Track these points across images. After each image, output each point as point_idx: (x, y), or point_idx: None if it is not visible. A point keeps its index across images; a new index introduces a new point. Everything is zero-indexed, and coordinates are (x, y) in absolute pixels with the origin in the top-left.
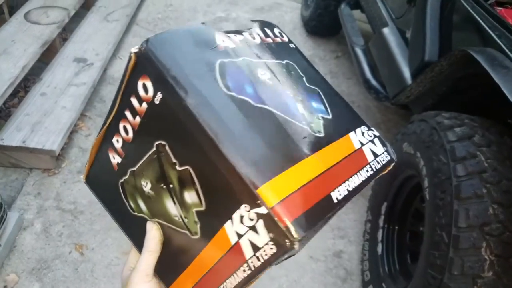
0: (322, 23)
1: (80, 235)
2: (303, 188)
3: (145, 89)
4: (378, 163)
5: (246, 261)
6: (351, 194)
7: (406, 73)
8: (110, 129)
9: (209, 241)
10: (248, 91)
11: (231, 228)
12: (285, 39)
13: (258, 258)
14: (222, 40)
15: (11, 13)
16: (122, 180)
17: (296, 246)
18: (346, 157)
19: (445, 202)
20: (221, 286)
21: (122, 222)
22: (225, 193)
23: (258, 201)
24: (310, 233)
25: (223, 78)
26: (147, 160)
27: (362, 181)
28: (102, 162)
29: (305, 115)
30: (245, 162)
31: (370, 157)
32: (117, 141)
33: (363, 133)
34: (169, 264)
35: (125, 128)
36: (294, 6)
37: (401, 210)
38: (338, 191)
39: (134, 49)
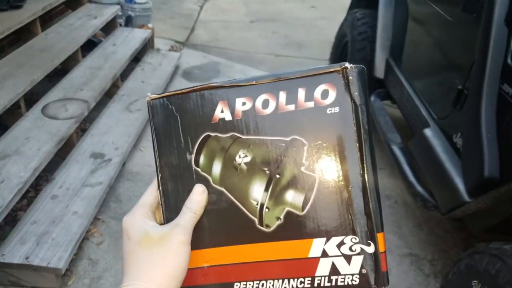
0: None
1: None
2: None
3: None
4: (331, 282)
5: (313, 277)
6: None
7: (461, 186)
8: (244, 89)
9: (280, 240)
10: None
11: (320, 245)
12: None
13: (330, 280)
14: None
15: (31, 102)
16: (213, 134)
17: None
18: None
19: None
20: (258, 282)
21: (166, 163)
22: (340, 218)
23: (371, 242)
24: None
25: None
26: (267, 141)
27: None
28: (198, 102)
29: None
30: (376, 208)
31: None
32: (244, 103)
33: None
34: (202, 232)
35: (266, 102)
36: None
37: None
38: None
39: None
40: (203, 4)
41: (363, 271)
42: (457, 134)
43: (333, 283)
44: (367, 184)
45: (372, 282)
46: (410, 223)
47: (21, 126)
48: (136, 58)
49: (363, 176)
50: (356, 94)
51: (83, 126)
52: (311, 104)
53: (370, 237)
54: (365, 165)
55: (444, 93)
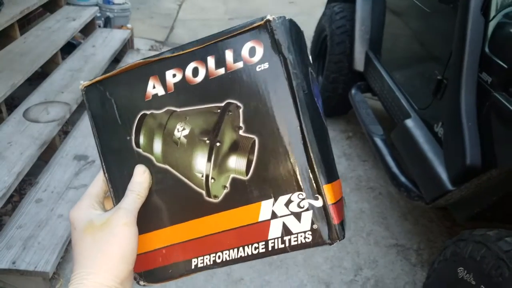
0: (330, 105)
1: None
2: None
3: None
4: (284, 243)
5: (266, 241)
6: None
7: (444, 175)
8: (171, 60)
9: (229, 209)
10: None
11: (268, 207)
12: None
13: (283, 241)
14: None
15: (12, 106)
16: (149, 112)
17: (334, 243)
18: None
19: None
20: (215, 254)
21: (108, 149)
22: (284, 175)
23: (318, 195)
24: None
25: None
26: (202, 110)
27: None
28: (129, 82)
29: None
30: (320, 160)
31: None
32: (174, 75)
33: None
34: (153, 214)
35: (196, 70)
36: None
37: None
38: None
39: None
40: (182, 3)
41: (314, 226)
42: (438, 124)
43: (287, 244)
44: (306, 137)
45: (325, 237)
46: (395, 214)
47: (2, 131)
48: (116, 59)
49: (301, 129)
50: (284, 46)
51: (66, 129)
52: (240, 64)
53: (317, 190)
54: (301, 118)
55: (424, 83)
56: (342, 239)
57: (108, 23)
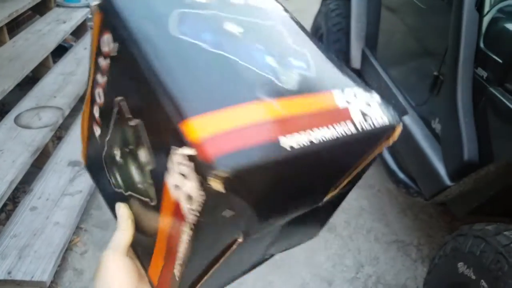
0: None
1: None
2: (242, 128)
3: (108, 43)
4: (368, 124)
5: (187, 222)
6: (316, 147)
7: (442, 171)
8: (92, 101)
9: (161, 204)
10: (205, 38)
11: (172, 182)
12: (279, 7)
13: (194, 213)
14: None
15: (2, 113)
16: (104, 153)
17: (219, 186)
18: (319, 110)
19: None
20: (178, 257)
21: (111, 204)
22: (163, 139)
23: (183, 139)
24: (241, 175)
25: (179, 25)
26: (113, 124)
27: (337, 136)
28: (92, 140)
29: (276, 68)
30: (174, 99)
31: (355, 116)
32: (96, 110)
33: (355, 94)
34: (144, 244)
35: (98, 94)
36: None
37: None
38: (293, 138)
39: (96, 1)
40: None
41: (200, 178)
42: (435, 120)
43: (194, 221)
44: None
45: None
46: (394, 210)
47: None
48: None
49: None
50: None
51: (59, 134)
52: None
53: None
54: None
55: (421, 80)
56: (231, 174)
57: None
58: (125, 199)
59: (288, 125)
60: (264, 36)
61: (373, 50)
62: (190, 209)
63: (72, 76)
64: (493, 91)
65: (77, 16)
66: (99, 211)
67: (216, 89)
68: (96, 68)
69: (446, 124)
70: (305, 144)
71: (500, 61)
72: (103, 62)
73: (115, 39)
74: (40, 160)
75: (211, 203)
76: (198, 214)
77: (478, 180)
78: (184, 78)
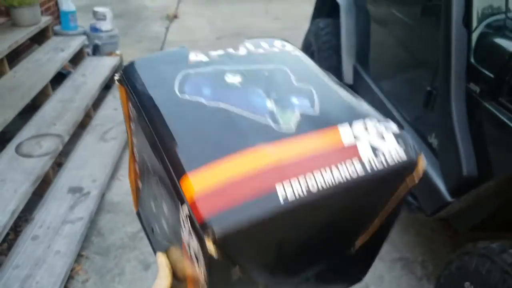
0: None
1: None
2: (236, 181)
3: (131, 110)
4: (380, 162)
5: (200, 281)
6: (314, 196)
7: (442, 187)
8: (134, 158)
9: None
10: (205, 93)
11: (186, 239)
12: (288, 48)
13: (202, 274)
14: (195, 56)
15: (3, 142)
16: (145, 205)
17: (213, 252)
18: (320, 151)
19: None
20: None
21: (155, 250)
22: (173, 195)
23: (183, 196)
24: (233, 236)
25: (181, 85)
26: (146, 179)
27: (340, 180)
28: (137, 192)
29: (274, 111)
30: (173, 155)
31: (364, 153)
32: (136, 166)
33: (366, 127)
34: None
35: (135, 153)
36: None
37: None
38: (288, 186)
39: (116, 77)
40: (169, 26)
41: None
42: (431, 135)
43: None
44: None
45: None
46: (396, 227)
47: None
48: (107, 86)
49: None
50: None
51: (59, 161)
52: None
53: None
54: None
55: (414, 94)
56: (226, 237)
57: (97, 50)
58: (165, 247)
59: (284, 171)
60: (264, 81)
61: (365, 66)
62: (199, 269)
63: (71, 103)
64: (487, 105)
65: (74, 44)
66: (100, 238)
67: (211, 141)
68: (130, 131)
69: (442, 139)
70: (301, 194)
71: (492, 75)
72: (133, 126)
73: (133, 106)
74: (41, 188)
75: (214, 264)
76: (204, 276)
77: (479, 196)
78: (182, 135)
